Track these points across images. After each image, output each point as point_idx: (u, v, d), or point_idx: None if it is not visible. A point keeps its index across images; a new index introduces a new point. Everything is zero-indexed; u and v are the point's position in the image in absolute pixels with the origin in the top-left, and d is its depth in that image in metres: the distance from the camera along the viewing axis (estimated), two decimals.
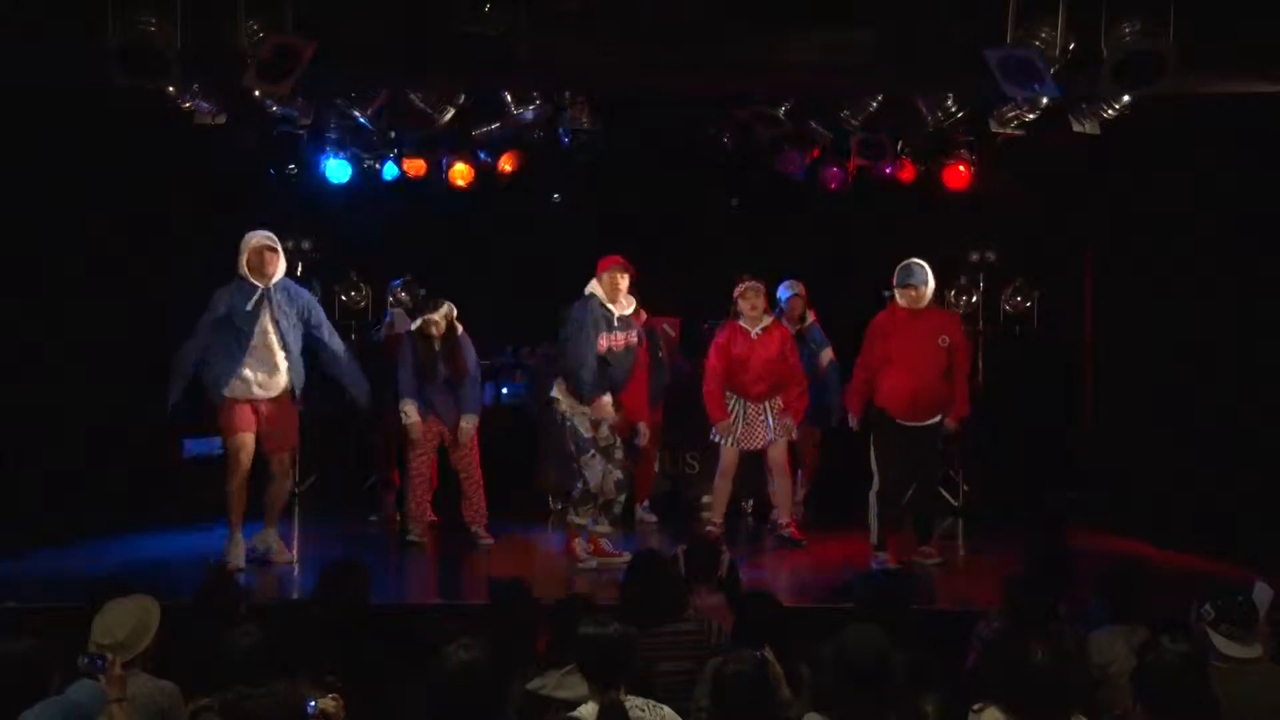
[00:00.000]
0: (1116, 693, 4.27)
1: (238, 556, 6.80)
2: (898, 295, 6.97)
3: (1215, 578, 5.64)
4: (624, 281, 6.95)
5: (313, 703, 3.51)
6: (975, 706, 3.63)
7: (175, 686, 3.97)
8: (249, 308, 6.75)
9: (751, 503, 8.80)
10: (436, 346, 7.55)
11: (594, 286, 6.95)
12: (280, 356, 6.84)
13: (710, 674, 3.98)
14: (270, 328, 6.82)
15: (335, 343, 7.15)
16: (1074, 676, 3.83)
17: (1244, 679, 4.04)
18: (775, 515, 7.86)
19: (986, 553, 7.60)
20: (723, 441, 7.72)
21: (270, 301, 6.82)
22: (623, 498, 7.14)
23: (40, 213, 7.84)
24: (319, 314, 7.10)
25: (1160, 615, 4.75)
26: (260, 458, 6.95)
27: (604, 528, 7.07)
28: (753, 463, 7.89)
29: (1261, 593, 4.55)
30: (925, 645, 4.40)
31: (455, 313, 7.67)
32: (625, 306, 7.00)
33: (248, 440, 6.82)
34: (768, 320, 7.72)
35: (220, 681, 3.87)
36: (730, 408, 7.71)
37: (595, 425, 6.92)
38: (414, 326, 7.67)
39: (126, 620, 3.98)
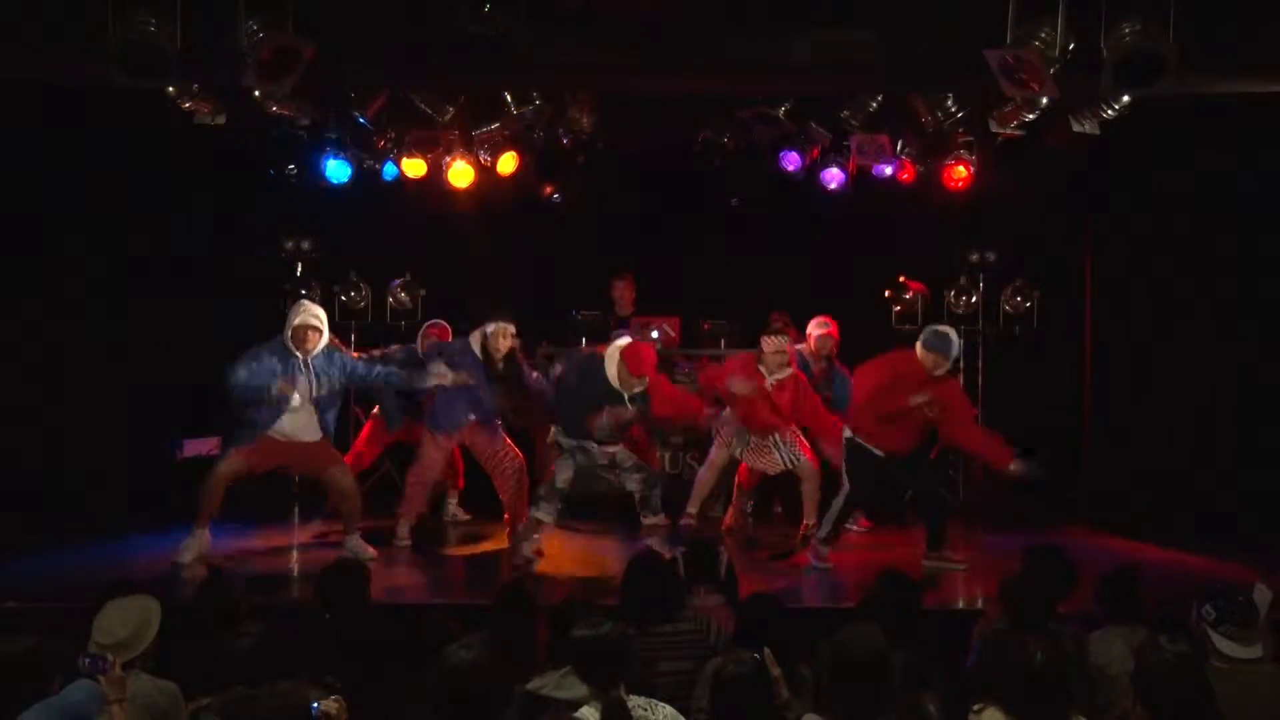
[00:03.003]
0: (1116, 693, 4.27)
1: (192, 550, 6.93)
2: (920, 351, 6.92)
3: (1215, 578, 5.64)
4: (640, 381, 7.00)
5: (316, 704, 3.51)
6: (975, 707, 3.63)
7: (175, 687, 3.96)
8: (287, 374, 6.91)
9: (751, 504, 8.80)
10: (500, 366, 7.52)
11: (613, 363, 6.94)
12: (315, 419, 7.04)
13: (709, 676, 3.98)
14: (308, 393, 6.97)
15: (372, 369, 7.26)
16: (1073, 677, 3.83)
17: (1245, 679, 4.04)
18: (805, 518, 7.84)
19: (986, 553, 7.59)
20: (721, 438, 7.73)
21: (309, 369, 6.98)
22: (657, 493, 7.23)
23: (41, 213, 7.84)
24: (353, 364, 7.19)
25: (1160, 615, 4.76)
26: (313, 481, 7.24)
27: (652, 519, 7.21)
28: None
29: (1261, 594, 4.55)
30: (925, 645, 4.40)
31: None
32: (637, 388, 7.02)
33: (238, 469, 6.97)
34: (787, 372, 7.66)
35: (220, 682, 3.87)
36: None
37: (580, 450, 7.08)
38: (489, 331, 7.53)
39: (127, 620, 3.98)
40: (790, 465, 7.75)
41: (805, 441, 7.80)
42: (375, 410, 8.44)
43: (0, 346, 7.90)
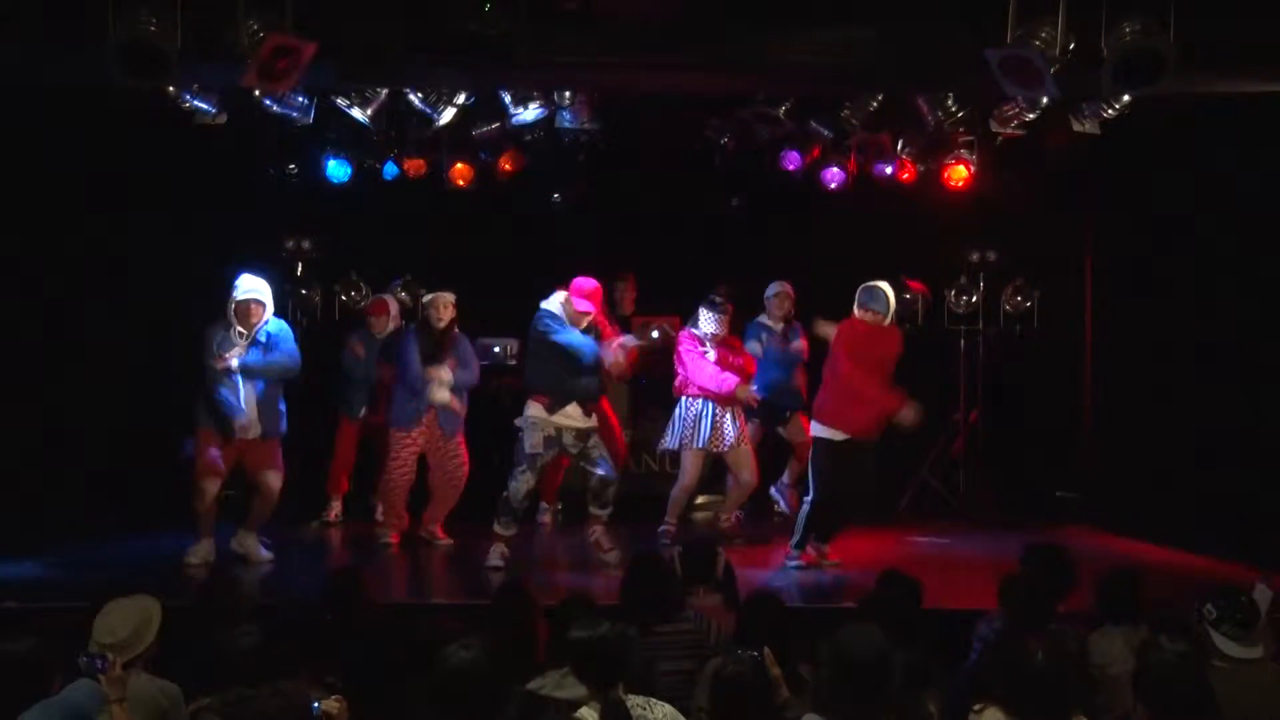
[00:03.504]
0: (1117, 693, 4.27)
1: (198, 555, 7.00)
2: (859, 313, 7.01)
3: (1216, 578, 5.65)
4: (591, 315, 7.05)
5: (316, 704, 3.51)
6: (976, 707, 3.63)
7: (176, 687, 3.97)
8: (235, 343, 6.93)
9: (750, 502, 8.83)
10: (440, 333, 7.58)
11: (557, 305, 7.05)
12: (253, 399, 6.97)
13: (709, 675, 3.98)
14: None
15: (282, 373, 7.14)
16: (1074, 677, 3.83)
17: (1246, 679, 4.04)
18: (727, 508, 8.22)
19: (986, 553, 7.59)
20: (689, 449, 7.80)
21: (254, 345, 6.96)
22: (611, 490, 7.18)
23: (40, 213, 7.83)
24: (282, 345, 7.11)
25: (1161, 615, 4.76)
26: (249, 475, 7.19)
27: (600, 510, 7.17)
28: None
29: (1262, 594, 4.56)
30: (925, 645, 4.40)
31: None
32: (583, 321, 7.08)
33: (212, 487, 7.02)
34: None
35: (221, 682, 3.87)
36: (697, 412, 7.81)
37: (549, 441, 7.00)
38: (425, 299, 7.68)
39: (128, 620, 3.98)
40: (733, 444, 7.81)
41: (748, 432, 7.96)
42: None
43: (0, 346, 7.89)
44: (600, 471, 7.12)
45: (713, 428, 7.81)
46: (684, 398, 7.92)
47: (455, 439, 7.69)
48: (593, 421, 7.15)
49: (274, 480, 7.16)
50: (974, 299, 9.51)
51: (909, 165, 9.26)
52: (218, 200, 9.05)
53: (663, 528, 7.82)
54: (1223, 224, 8.06)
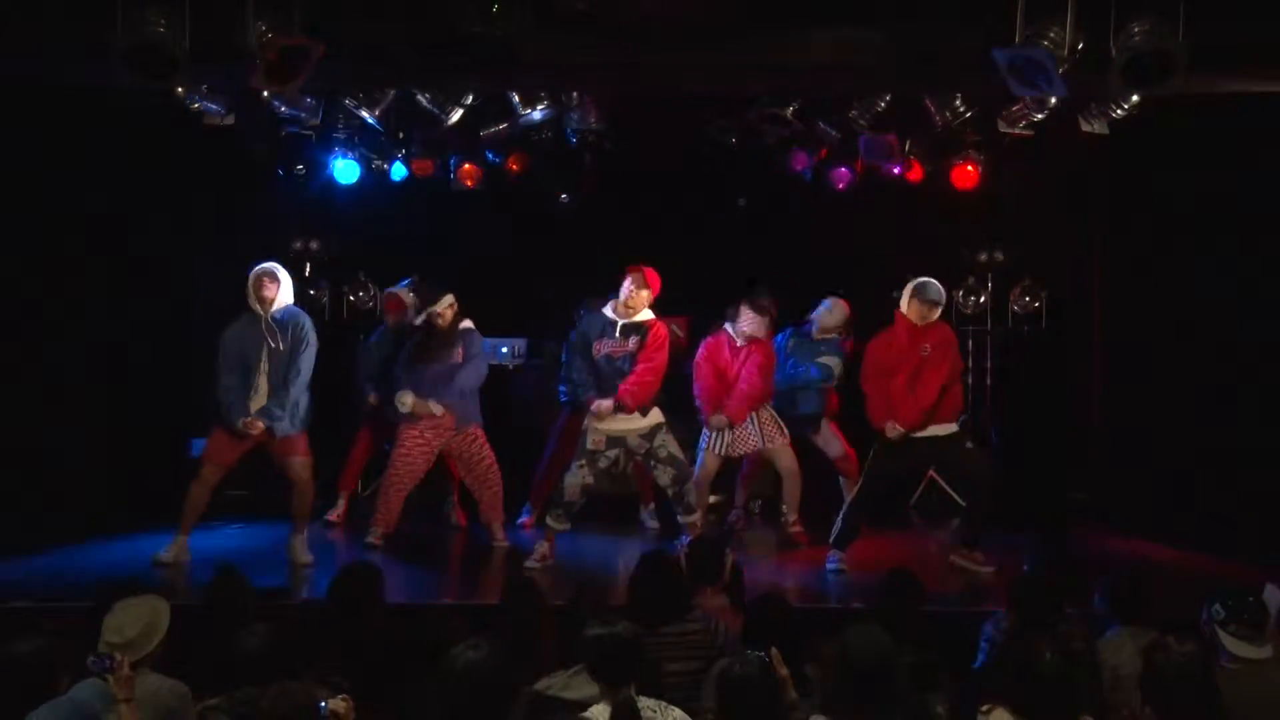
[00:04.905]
0: (1125, 694, 4.26)
1: (173, 554, 6.94)
2: (913, 307, 6.94)
3: (1224, 579, 5.63)
4: (638, 293, 7.00)
5: (324, 704, 3.51)
6: (984, 708, 3.62)
7: (184, 686, 3.97)
8: (251, 335, 6.89)
9: (759, 503, 8.82)
10: (442, 337, 7.53)
11: (609, 307, 7.09)
12: (266, 387, 6.91)
13: (716, 676, 3.98)
14: (265, 357, 6.91)
15: (298, 365, 7.03)
16: (1082, 677, 3.82)
17: (1255, 680, 4.04)
18: (784, 514, 7.96)
19: (994, 553, 7.57)
20: (707, 450, 7.75)
21: (268, 331, 6.92)
22: (687, 488, 7.08)
23: (40, 211, 7.84)
24: (305, 340, 7.02)
25: (1169, 616, 4.75)
26: (277, 467, 7.10)
27: (687, 517, 7.09)
28: (763, 463, 7.97)
29: (1271, 594, 4.55)
30: (932, 646, 4.39)
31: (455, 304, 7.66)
32: (631, 315, 7.01)
33: (213, 476, 6.99)
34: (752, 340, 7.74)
35: (228, 681, 3.87)
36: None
37: (611, 441, 6.95)
38: (418, 321, 7.62)
39: (136, 620, 3.99)
40: (764, 444, 7.70)
41: (784, 432, 7.78)
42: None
43: (0, 345, 7.91)
44: (669, 473, 7.02)
45: (731, 431, 7.69)
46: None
47: (470, 429, 7.63)
48: (658, 418, 7.04)
49: (300, 468, 7.06)
50: (982, 299, 9.50)
51: (917, 165, 9.25)
52: (225, 200, 9.06)
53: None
54: (1230, 224, 8.03)
